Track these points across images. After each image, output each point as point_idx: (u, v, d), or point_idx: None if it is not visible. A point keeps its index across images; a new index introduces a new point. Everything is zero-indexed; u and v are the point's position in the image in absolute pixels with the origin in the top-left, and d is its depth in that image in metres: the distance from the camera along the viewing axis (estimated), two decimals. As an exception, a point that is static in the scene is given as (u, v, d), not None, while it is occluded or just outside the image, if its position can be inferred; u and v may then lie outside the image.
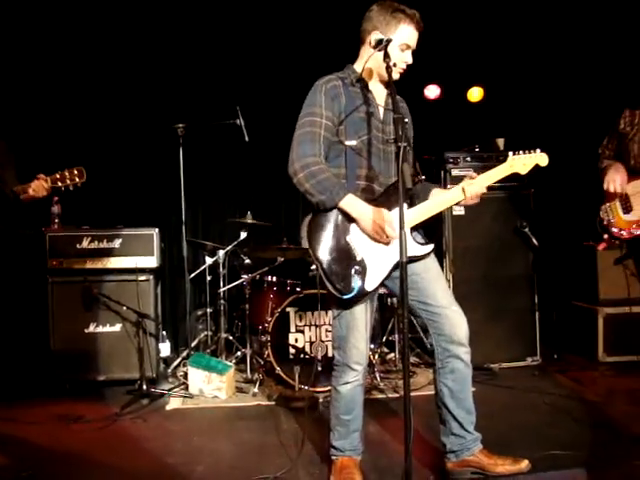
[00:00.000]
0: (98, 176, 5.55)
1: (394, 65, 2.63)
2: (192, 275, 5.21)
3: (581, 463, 2.87)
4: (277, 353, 4.38)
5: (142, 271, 4.67)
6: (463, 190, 2.81)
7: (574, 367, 4.94)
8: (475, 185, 2.82)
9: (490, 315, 4.96)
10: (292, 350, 4.43)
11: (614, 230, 3.64)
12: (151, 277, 4.72)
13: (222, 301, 5.02)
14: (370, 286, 2.74)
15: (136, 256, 4.67)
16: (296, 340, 4.45)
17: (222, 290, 5.04)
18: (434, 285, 2.85)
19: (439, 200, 2.86)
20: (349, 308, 2.78)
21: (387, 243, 2.72)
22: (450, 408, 2.89)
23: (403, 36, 2.73)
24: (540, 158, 2.94)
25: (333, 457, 2.96)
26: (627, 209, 3.58)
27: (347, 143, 2.75)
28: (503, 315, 4.99)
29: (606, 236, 3.71)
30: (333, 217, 2.73)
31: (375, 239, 2.72)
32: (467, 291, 4.98)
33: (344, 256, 2.72)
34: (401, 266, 2.30)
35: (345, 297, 2.70)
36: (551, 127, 5.75)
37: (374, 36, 2.69)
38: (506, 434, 3.46)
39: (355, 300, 2.74)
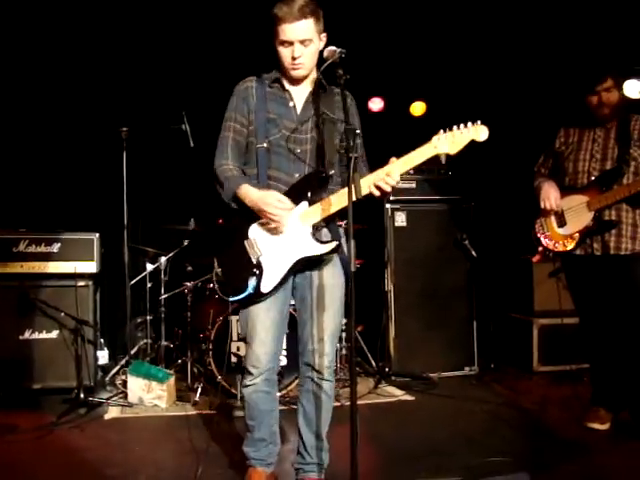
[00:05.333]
0: (37, 177, 5.47)
1: (289, 65, 2.72)
2: (133, 282, 5.12)
3: (519, 469, 2.93)
4: (218, 361, 4.35)
5: (81, 276, 4.56)
6: (373, 184, 2.60)
7: (510, 376, 5.09)
8: (386, 176, 2.60)
9: (430, 325, 5.08)
10: (234, 359, 4.41)
11: (548, 243, 3.80)
12: (90, 283, 4.61)
13: (163, 308, 4.95)
14: (266, 288, 2.70)
15: (75, 261, 4.56)
16: (238, 349, 4.43)
17: (163, 297, 4.98)
18: (319, 312, 2.74)
19: (341, 195, 2.62)
20: (246, 308, 2.76)
21: (278, 225, 2.66)
22: (300, 426, 2.86)
23: (280, 34, 2.70)
24: (475, 132, 2.53)
25: (248, 465, 2.89)
26: (561, 223, 3.75)
27: (257, 144, 2.77)
28: (442, 325, 5.11)
29: (541, 248, 3.87)
30: (236, 222, 2.80)
31: (271, 223, 2.67)
32: (407, 301, 5.10)
33: (240, 258, 2.73)
34: (350, 278, 2.38)
35: (232, 299, 2.74)
36: (492, 142, 5.90)
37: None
38: (445, 442, 3.56)
39: (251, 302, 2.72)
